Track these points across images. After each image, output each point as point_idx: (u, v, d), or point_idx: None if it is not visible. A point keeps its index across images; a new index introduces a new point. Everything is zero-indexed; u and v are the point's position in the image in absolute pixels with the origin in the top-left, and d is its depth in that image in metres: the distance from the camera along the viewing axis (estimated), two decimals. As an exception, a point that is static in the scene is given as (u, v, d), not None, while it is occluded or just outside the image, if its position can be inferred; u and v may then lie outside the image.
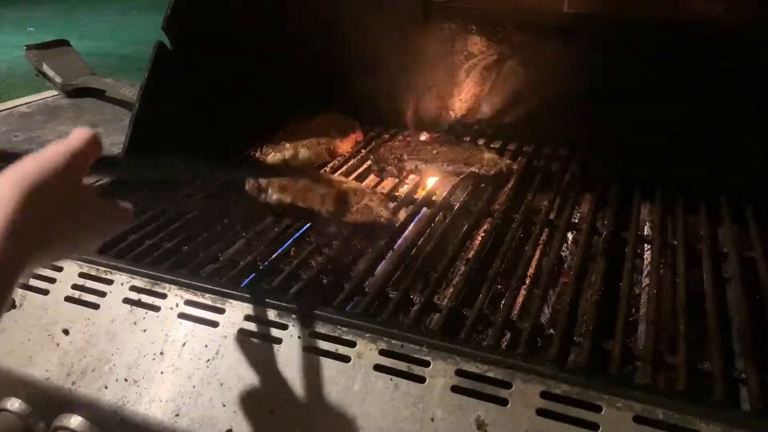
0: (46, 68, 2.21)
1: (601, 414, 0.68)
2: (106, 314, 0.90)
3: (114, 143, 1.54)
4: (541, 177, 1.28)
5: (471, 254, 1.02)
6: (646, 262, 1.05)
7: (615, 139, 1.37)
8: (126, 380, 0.83)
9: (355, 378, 0.76)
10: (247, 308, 0.86)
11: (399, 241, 1.08)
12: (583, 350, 0.78)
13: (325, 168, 1.38)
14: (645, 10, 1.25)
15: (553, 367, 0.73)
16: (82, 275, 0.96)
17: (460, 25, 1.48)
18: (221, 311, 0.87)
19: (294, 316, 0.84)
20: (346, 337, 0.80)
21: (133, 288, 0.92)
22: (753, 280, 0.93)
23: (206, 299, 0.89)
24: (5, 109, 2.04)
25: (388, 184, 1.33)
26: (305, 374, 0.78)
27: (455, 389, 0.73)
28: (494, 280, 0.94)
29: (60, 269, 0.97)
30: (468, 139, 1.48)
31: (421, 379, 0.75)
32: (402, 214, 1.16)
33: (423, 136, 1.56)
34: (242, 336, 0.83)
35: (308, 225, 1.10)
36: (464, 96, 1.55)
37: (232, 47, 1.41)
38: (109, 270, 0.96)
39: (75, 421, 0.83)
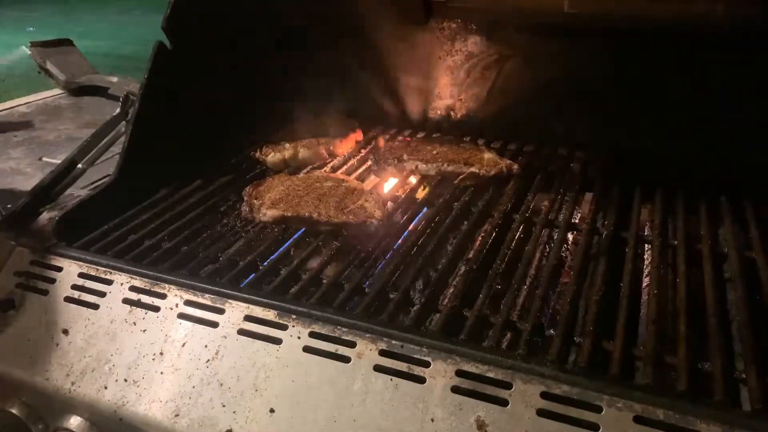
0: (50, 65, 2.22)
1: (601, 414, 0.68)
2: (105, 314, 0.90)
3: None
4: (541, 177, 1.28)
5: (471, 254, 1.02)
6: (646, 262, 1.05)
7: (615, 139, 1.37)
8: (126, 380, 0.83)
9: (355, 378, 0.76)
10: (247, 308, 0.86)
11: (399, 241, 1.08)
12: (584, 350, 0.78)
13: (325, 168, 1.38)
14: (645, 10, 1.24)
15: (553, 367, 0.73)
16: (81, 275, 0.96)
17: (460, 25, 1.47)
18: (221, 311, 0.87)
19: (294, 316, 0.84)
20: (346, 338, 0.80)
21: (132, 288, 0.92)
22: (753, 280, 0.93)
23: (206, 299, 0.89)
24: (5, 109, 2.04)
25: (388, 184, 1.33)
26: (305, 374, 0.78)
27: (455, 390, 0.73)
28: (494, 280, 0.94)
29: (60, 269, 0.97)
30: (468, 139, 1.48)
31: (421, 380, 0.75)
32: (397, 216, 1.17)
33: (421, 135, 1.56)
34: (242, 336, 0.83)
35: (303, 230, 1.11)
36: (464, 96, 1.55)
37: (232, 47, 1.41)
38: (109, 270, 0.96)
39: (75, 421, 0.83)
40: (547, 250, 1.08)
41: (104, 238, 1.07)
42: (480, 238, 1.08)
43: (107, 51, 6.05)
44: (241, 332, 0.84)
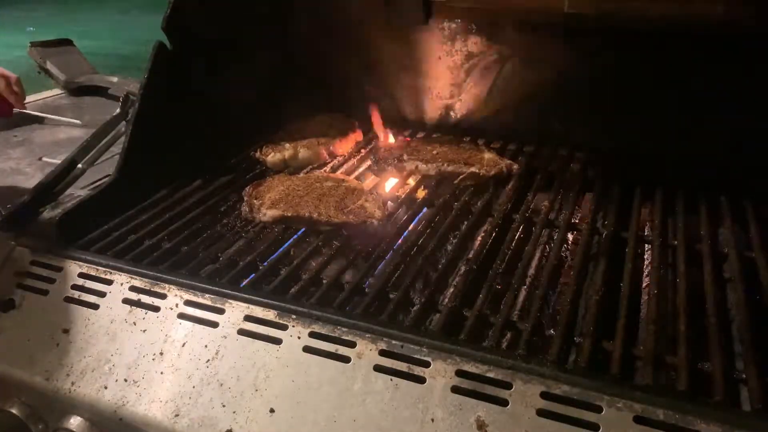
0: (50, 65, 2.22)
1: (601, 414, 0.68)
2: (105, 314, 0.90)
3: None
4: (541, 177, 1.28)
5: (471, 254, 1.02)
6: (646, 262, 1.05)
7: (615, 139, 1.37)
8: (126, 380, 0.83)
9: (355, 378, 0.76)
10: (247, 308, 0.86)
11: (399, 241, 1.08)
12: (584, 350, 0.78)
13: (325, 168, 1.38)
14: (645, 10, 1.24)
15: (553, 367, 0.73)
16: (81, 275, 0.96)
17: (460, 25, 1.47)
18: (221, 311, 0.87)
19: (294, 316, 0.84)
20: (346, 338, 0.80)
21: (132, 288, 0.92)
22: (753, 280, 0.93)
23: (206, 299, 0.89)
24: (5, 109, 2.03)
25: (388, 184, 1.33)
26: (305, 374, 0.78)
27: (455, 390, 0.73)
28: (494, 280, 0.94)
29: (60, 269, 0.97)
30: (468, 139, 1.48)
31: (421, 380, 0.75)
32: (397, 216, 1.16)
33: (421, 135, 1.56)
34: (242, 336, 0.83)
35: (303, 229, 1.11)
36: (464, 96, 1.55)
37: (232, 47, 1.41)
38: (109, 270, 0.96)
39: (75, 421, 0.83)
40: (547, 250, 1.08)
41: (104, 238, 1.07)
42: (480, 238, 1.08)
43: (108, 51, 6.05)
44: (241, 332, 0.84)
